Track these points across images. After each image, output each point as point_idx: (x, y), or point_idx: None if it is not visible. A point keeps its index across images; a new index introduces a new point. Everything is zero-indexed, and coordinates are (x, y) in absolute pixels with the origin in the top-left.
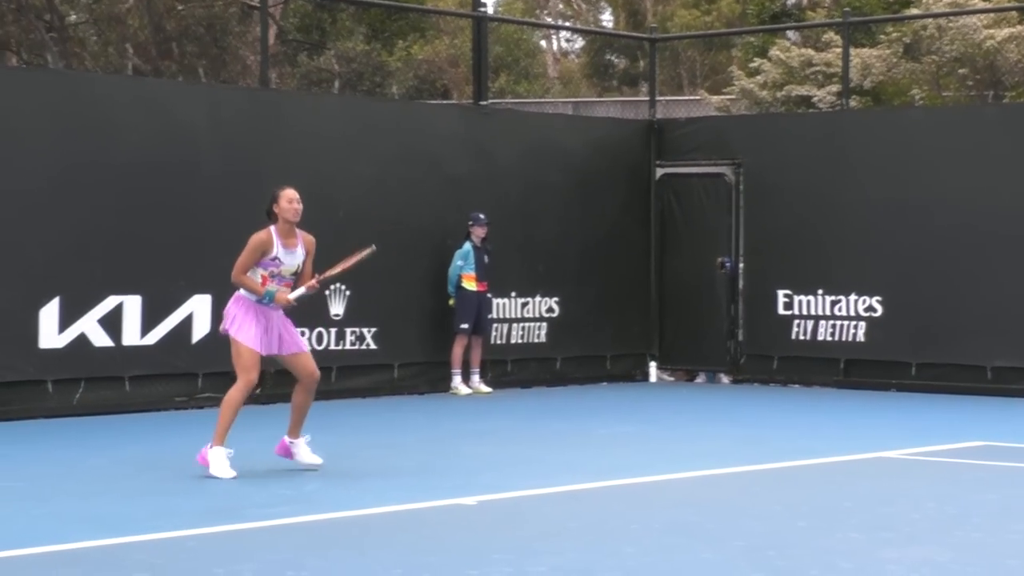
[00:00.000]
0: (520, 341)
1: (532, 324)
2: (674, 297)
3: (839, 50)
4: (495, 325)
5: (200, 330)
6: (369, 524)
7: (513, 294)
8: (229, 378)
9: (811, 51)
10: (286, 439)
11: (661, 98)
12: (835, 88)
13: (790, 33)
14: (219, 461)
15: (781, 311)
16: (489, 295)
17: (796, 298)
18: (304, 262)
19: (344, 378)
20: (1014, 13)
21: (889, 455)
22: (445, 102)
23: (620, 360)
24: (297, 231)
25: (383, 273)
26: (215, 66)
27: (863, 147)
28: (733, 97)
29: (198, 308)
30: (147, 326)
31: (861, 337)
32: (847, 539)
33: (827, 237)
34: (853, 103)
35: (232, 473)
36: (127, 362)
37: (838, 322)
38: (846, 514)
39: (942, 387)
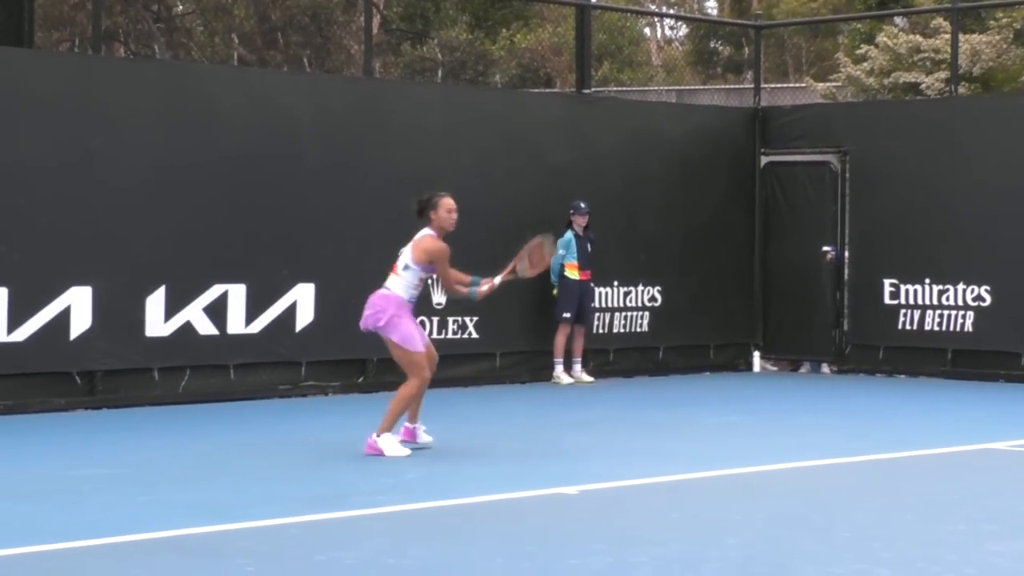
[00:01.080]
0: (622, 330)
1: (634, 313)
2: (778, 286)
3: (947, 36)
4: (597, 314)
5: (304, 319)
6: (471, 513)
7: (615, 283)
8: (332, 366)
9: (919, 37)
10: (407, 424)
11: (766, 85)
12: (943, 75)
13: (898, 19)
14: (392, 444)
15: (887, 301)
16: (592, 284)
17: (903, 287)
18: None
19: (446, 367)
20: None
21: (996, 447)
22: (548, 91)
23: (723, 349)
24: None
25: (485, 263)
26: (319, 56)
27: (972, 135)
28: (839, 84)
29: (301, 297)
30: (251, 315)
31: (969, 327)
32: (953, 531)
33: (934, 226)
34: (962, 90)
35: (407, 451)
36: (231, 350)
37: (945, 312)
38: (952, 506)
39: None
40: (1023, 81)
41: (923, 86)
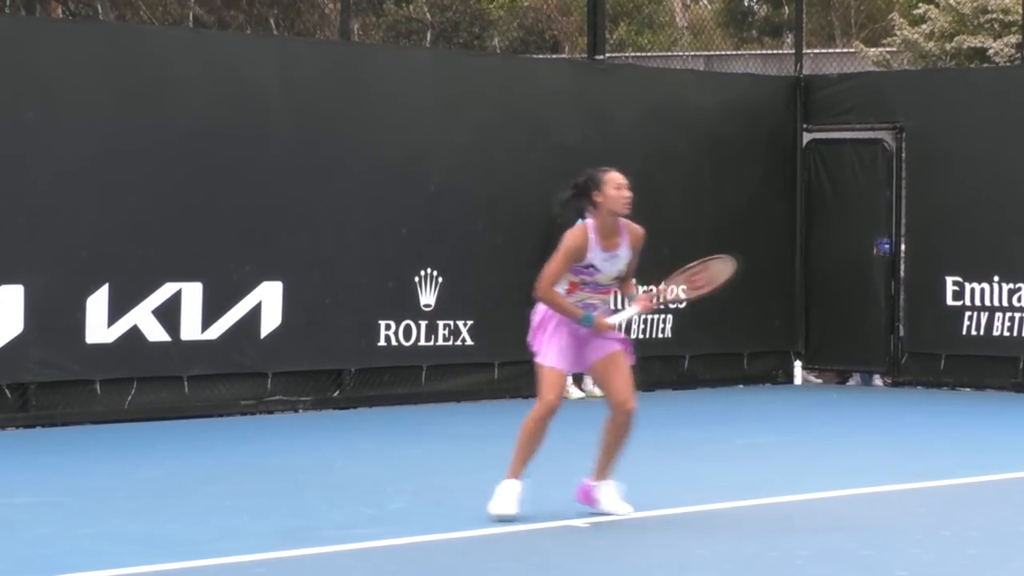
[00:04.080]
0: (642, 336)
1: (656, 317)
2: (823, 285)
3: None
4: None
5: (270, 323)
6: (464, 549)
7: (634, 281)
8: (303, 378)
9: None
10: (588, 482)
11: (809, 51)
12: (1015, 39)
13: None
14: (502, 494)
15: (950, 302)
16: None
17: (968, 286)
18: (629, 264)
19: (436, 379)
20: None
21: None
22: (555, 56)
23: (759, 359)
24: (622, 224)
25: (481, 256)
26: (288, 16)
27: None
28: (894, 50)
29: (267, 297)
30: (209, 318)
31: None
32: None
33: (1005, 215)
34: None
35: (512, 511)
36: (186, 359)
37: (1017, 315)
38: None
39: None
40: None
41: (991, 52)
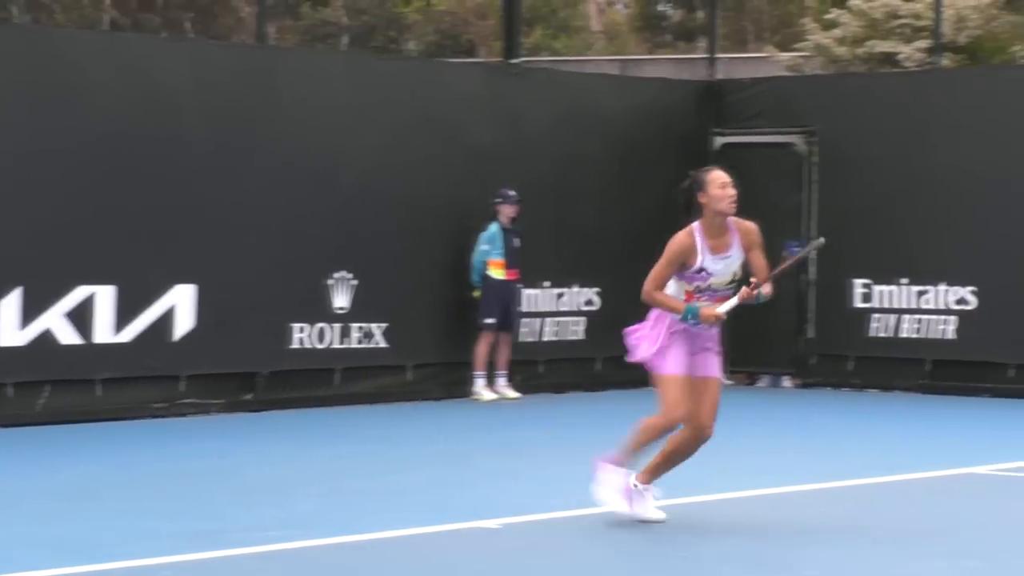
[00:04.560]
0: (554, 339)
1: (568, 319)
2: None
3: (930, 0)
4: (524, 320)
5: (183, 326)
6: (375, 551)
7: (546, 284)
8: (215, 380)
9: (897, 1)
10: (630, 479)
11: (722, 55)
12: (925, 44)
13: None
14: (611, 482)
15: (858, 304)
16: (519, 285)
17: (876, 288)
18: (750, 261)
19: (349, 381)
20: None
21: (980, 471)
22: (469, 60)
23: None
24: (731, 223)
25: (394, 259)
26: (204, 20)
27: (957, 112)
28: (806, 54)
29: (180, 300)
30: (121, 321)
31: (951, 334)
32: (931, 568)
33: (913, 218)
34: (945, 61)
35: (624, 507)
36: (98, 362)
37: (924, 317)
38: (929, 539)
39: None
40: (1015, 51)
41: (901, 57)
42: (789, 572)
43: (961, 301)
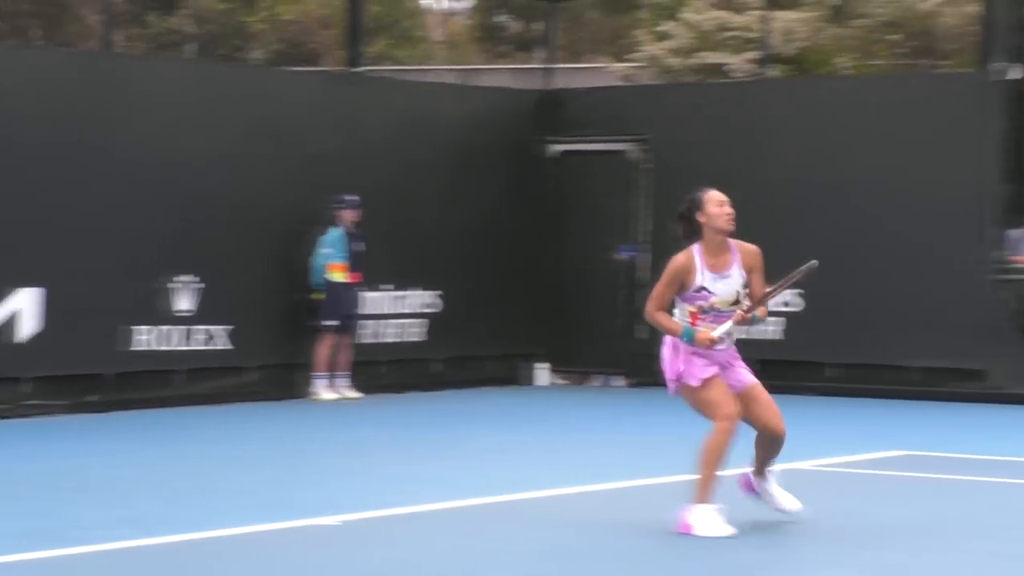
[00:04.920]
0: (394, 340)
1: (408, 321)
2: (567, 291)
3: (758, 13)
4: (366, 322)
5: (27, 328)
6: (216, 549)
7: (386, 287)
8: (60, 382)
9: (727, 14)
10: (750, 474)
11: (558, 66)
12: (753, 55)
13: None
14: (707, 519)
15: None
16: (361, 288)
17: None
18: (750, 284)
19: (192, 382)
20: None
21: (799, 466)
22: (311, 69)
23: (505, 361)
24: (732, 244)
25: (236, 263)
26: (51, 27)
27: (782, 120)
28: (639, 65)
29: (24, 303)
30: None
31: (779, 335)
32: (746, 559)
33: (742, 222)
34: (773, 72)
35: (732, 530)
36: None
37: None
38: (745, 533)
39: (861, 390)
40: (839, 62)
41: (730, 67)
42: (607, 566)
43: (787, 303)
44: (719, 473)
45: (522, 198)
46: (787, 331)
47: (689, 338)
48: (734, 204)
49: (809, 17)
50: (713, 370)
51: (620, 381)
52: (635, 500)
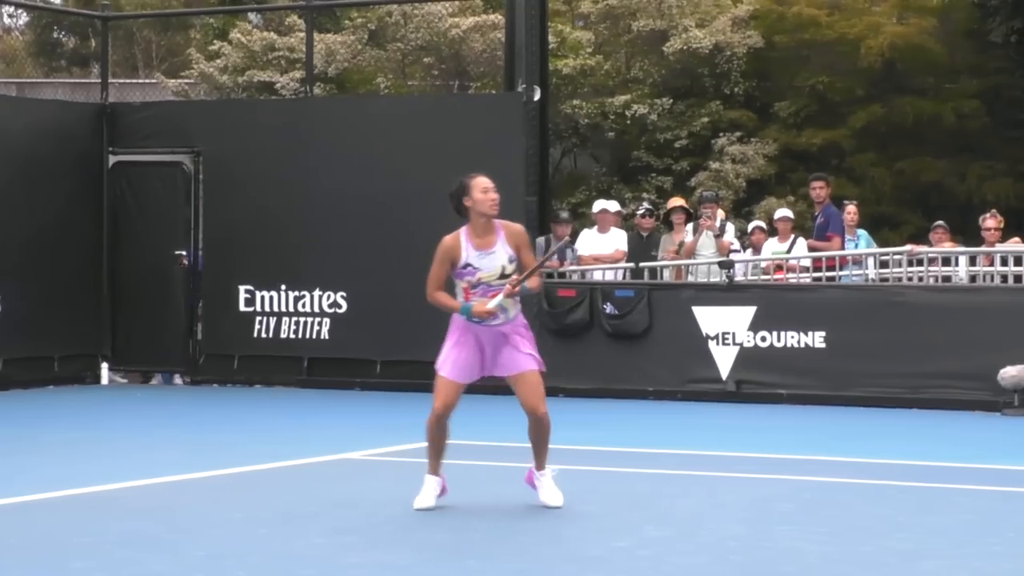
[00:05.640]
0: None
1: None
2: (129, 294)
3: (303, 34)
4: None
5: None
6: None
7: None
8: None
9: (274, 35)
10: (532, 469)
11: (114, 80)
12: (299, 74)
13: (252, 15)
14: (424, 488)
15: (243, 308)
16: None
17: (259, 294)
18: (519, 259)
19: None
20: (479, 2)
21: (353, 456)
22: None
23: (70, 361)
24: (498, 224)
25: None
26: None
27: (328, 136)
28: (192, 81)
29: None
30: None
31: (325, 334)
32: (310, 545)
33: (291, 230)
34: (317, 91)
35: (429, 504)
36: None
37: (302, 319)
38: (308, 519)
39: (408, 385)
40: (378, 83)
41: (278, 85)
42: (181, 552)
43: (334, 305)
44: (437, 449)
45: (86, 206)
46: (331, 331)
47: (467, 313)
48: (281, 213)
49: (350, 40)
50: (458, 366)
51: (180, 379)
52: (200, 490)
